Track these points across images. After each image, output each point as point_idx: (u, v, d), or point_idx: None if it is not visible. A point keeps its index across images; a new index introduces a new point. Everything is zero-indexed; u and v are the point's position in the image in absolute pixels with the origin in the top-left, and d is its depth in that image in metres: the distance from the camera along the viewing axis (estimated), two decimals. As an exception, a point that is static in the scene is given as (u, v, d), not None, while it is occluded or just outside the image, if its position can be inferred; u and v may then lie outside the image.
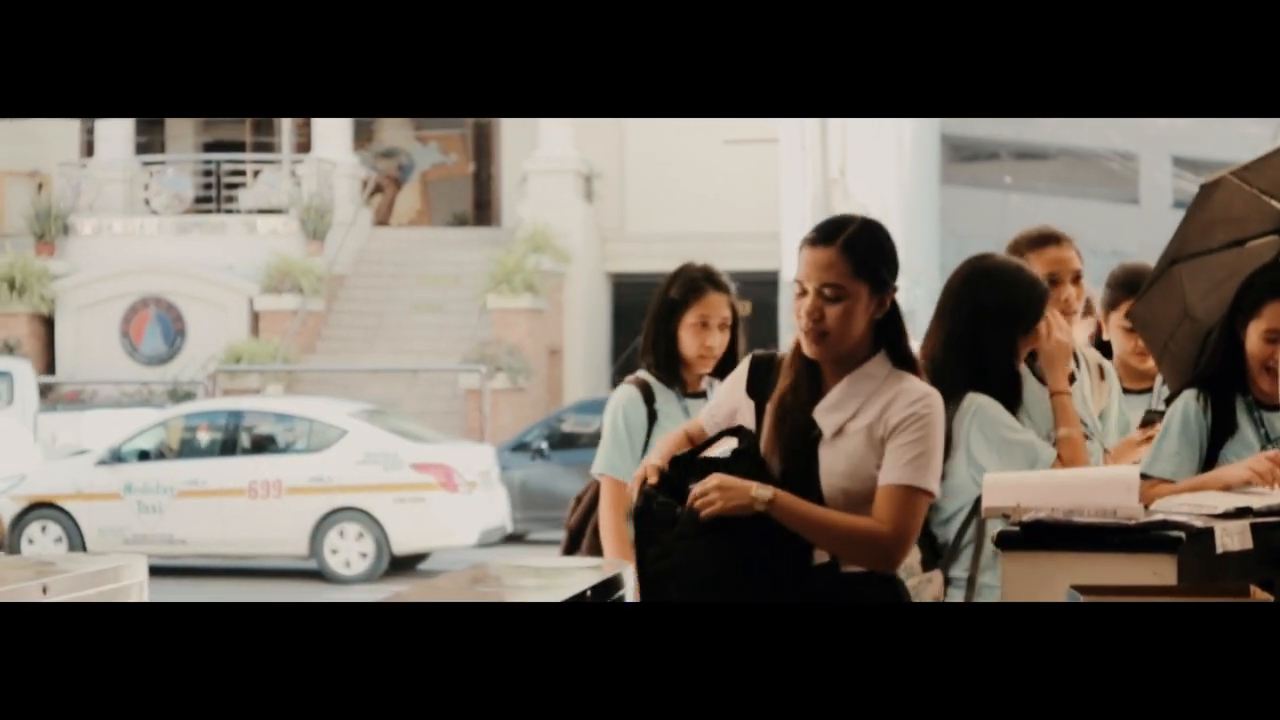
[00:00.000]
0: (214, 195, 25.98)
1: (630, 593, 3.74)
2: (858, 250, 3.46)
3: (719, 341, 4.84)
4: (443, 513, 16.22)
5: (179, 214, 25.69)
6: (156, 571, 4.77)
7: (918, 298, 26.75)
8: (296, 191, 25.45)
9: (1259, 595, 3.06)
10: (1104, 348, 5.22)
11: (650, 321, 4.91)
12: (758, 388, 3.57)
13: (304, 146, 26.69)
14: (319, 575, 16.13)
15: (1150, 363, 5.05)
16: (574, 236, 25.10)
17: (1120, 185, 39.34)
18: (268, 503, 16.31)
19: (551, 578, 3.93)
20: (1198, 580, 3.26)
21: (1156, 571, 3.23)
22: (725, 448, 3.53)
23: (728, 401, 3.63)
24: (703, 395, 4.85)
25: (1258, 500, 3.62)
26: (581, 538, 5.03)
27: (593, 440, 21.77)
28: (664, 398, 4.85)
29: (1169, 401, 4.45)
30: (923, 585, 4.00)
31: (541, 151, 25.62)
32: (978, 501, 3.98)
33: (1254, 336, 4.21)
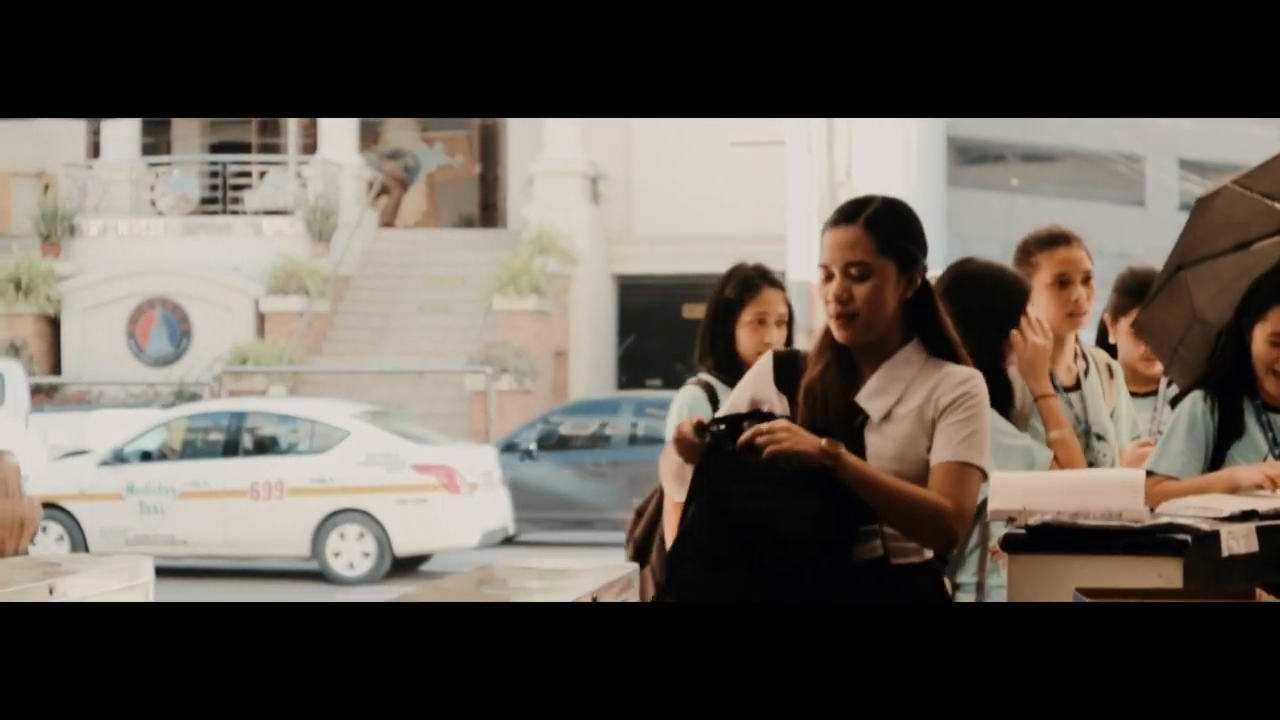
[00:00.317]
0: (220, 196, 25.99)
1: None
2: (881, 226, 3.40)
3: (777, 338, 4.80)
4: (444, 514, 16.22)
5: (185, 215, 25.70)
6: (158, 572, 4.76)
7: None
8: (302, 193, 25.45)
9: (1265, 598, 3.06)
10: (1108, 351, 5.21)
11: (707, 323, 4.85)
12: (787, 382, 3.46)
13: (310, 148, 26.70)
14: (321, 576, 16.14)
15: (1156, 368, 5.05)
16: (580, 238, 25.09)
17: (1126, 187, 39.33)
18: (270, 504, 16.32)
19: (557, 579, 3.93)
20: (1203, 583, 3.25)
21: (1162, 574, 3.22)
22: None
23: (749, 398, 3.50)
24: None
25: (1264, 503, 3.61)
26: (649, 550, 4.94)
27: (587, 442, 21.58)
28: (727, 397, 4.84)
29: (1174, 403, 4.45)
30: None
31: (547, 153, 25.62)
32: (982, 507, 3.98)
33: (1260, 340, 4.20)
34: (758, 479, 3.22)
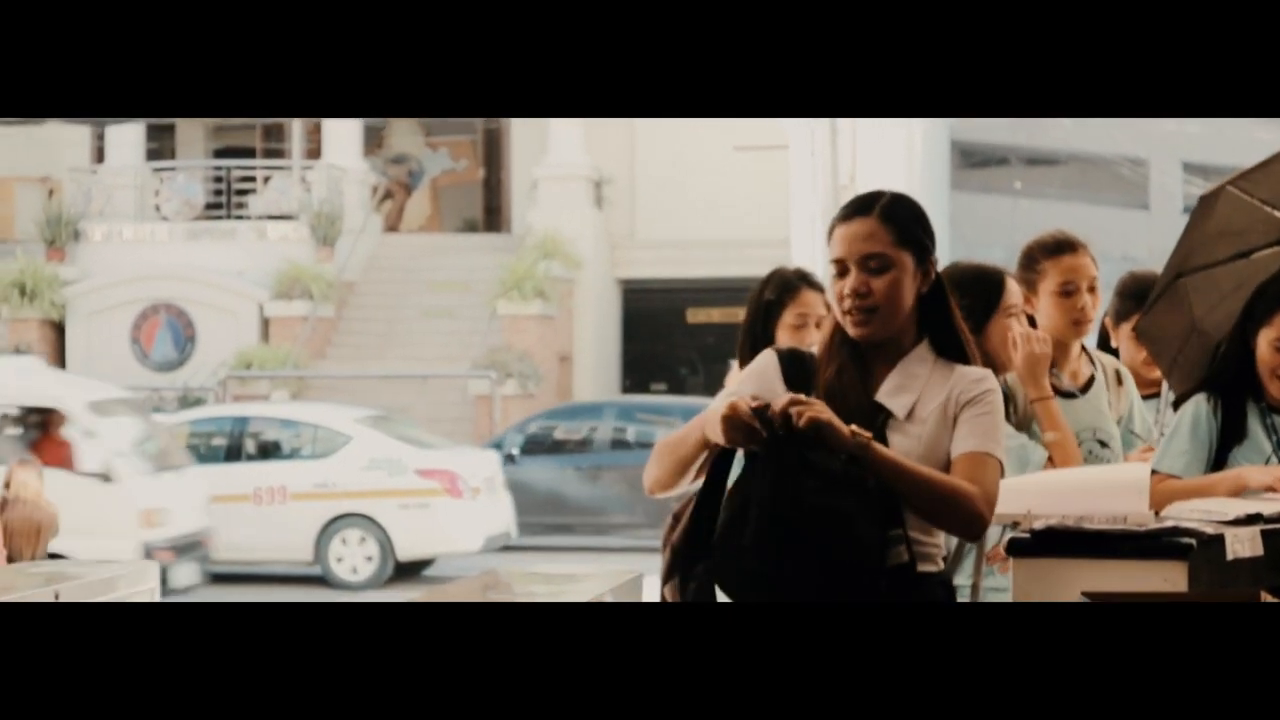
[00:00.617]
0: (224, 201, 26.01)
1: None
2: (897, 218, 3.33)
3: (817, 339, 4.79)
4: (447, 519, 16.24)
5: (189, 220, 25.73)
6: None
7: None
8: (307, 198, 25.48)
9: (1269, 600, 3.06)
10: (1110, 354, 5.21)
11: (746, 327, 4.82)
12: (798, 382, 3.33)
13: (314, 153, 26.72)
14: (323, 581, 16.15)
15: (1158, 371, 5.05)
16: (584, 243, 25.10)
17: (1130, 191, 39.29)
18: (272, 509, 16.34)
19: (564, 584, 3.92)
20: (1208, 587, 3.25)
21: (1167, 578, 3.22)
22: None
23: (752, 397, 3.29)
24: None
25: (1269, 506, 3.61)
26: None
27: (570, 446, 21.45)
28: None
29: (1176, 405, 4.45)
30: None
31: (552, 157, 25.64)
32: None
33: (1264, 345, 4.21)
34: (815, 473, 3.10)
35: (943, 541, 3.37)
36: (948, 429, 3.29)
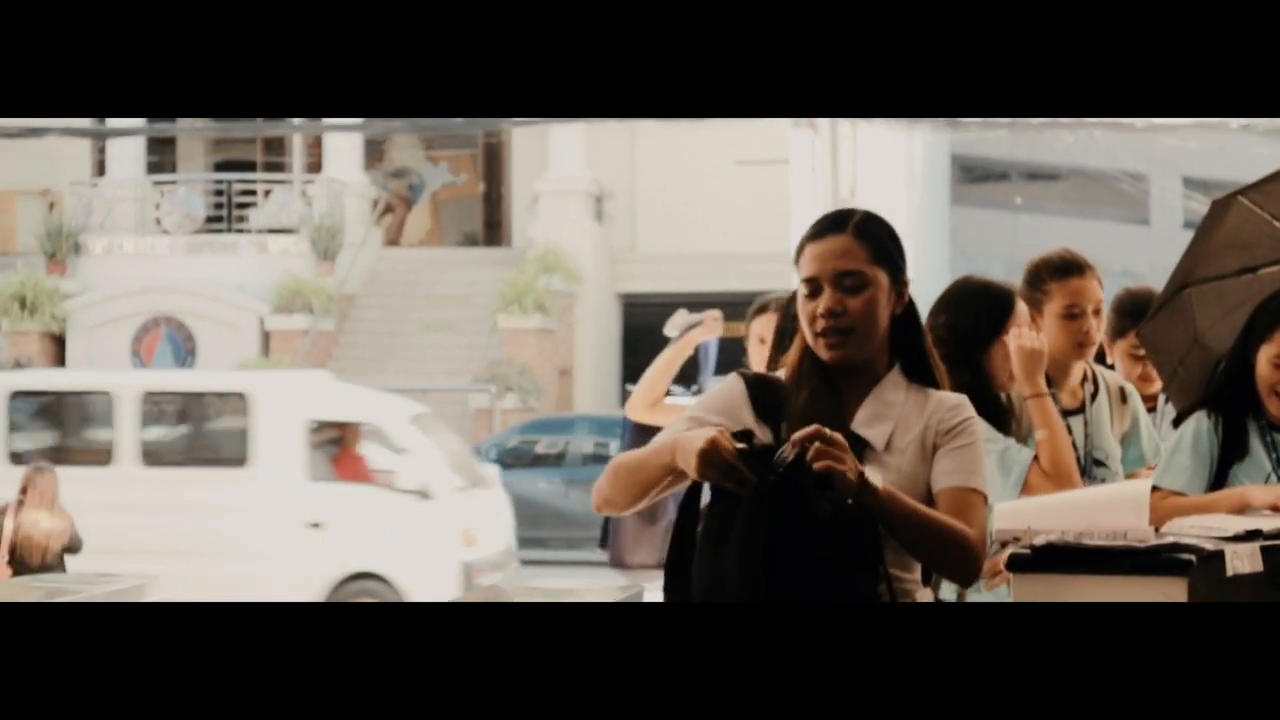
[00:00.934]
0: (225, 215, 26.03)
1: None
2: (872, 235, 3.18)
3: None
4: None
5: (190, 233, 25.74)
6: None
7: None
8: (307, 211, 25.50)
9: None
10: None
11: (776, 338, 4.82)
12: (767, 410, 3.16)
13: (315, 166, 26.75)
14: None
15: (1154, 387, 5.05)
16: (584, 257, 25.13)
17: (1131, 206, 39.31)
18: (275, 522, 16.30)
19: (567, 599, 3.93)
20: (1208, 603, 3.25)
21: (1167, 594, 3.22)
22: None
23: (716, 424, 3.10)
24: None
25: (1269, 523, 3.62)
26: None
27: (543, 460, 21.33)
28: None
29: (1177, 423, 4.45)
30: None
31: (552, 172, 25.67)
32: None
33: (1264, 361, 4.21)
34: (807, 515, 2.89)
35: (919, 575, 3.22)
36: (926, 460, 3.14)
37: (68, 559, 10.80)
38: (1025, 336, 4.27)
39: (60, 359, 24.78)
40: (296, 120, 24.89)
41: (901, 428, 3.14)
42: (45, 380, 17.10)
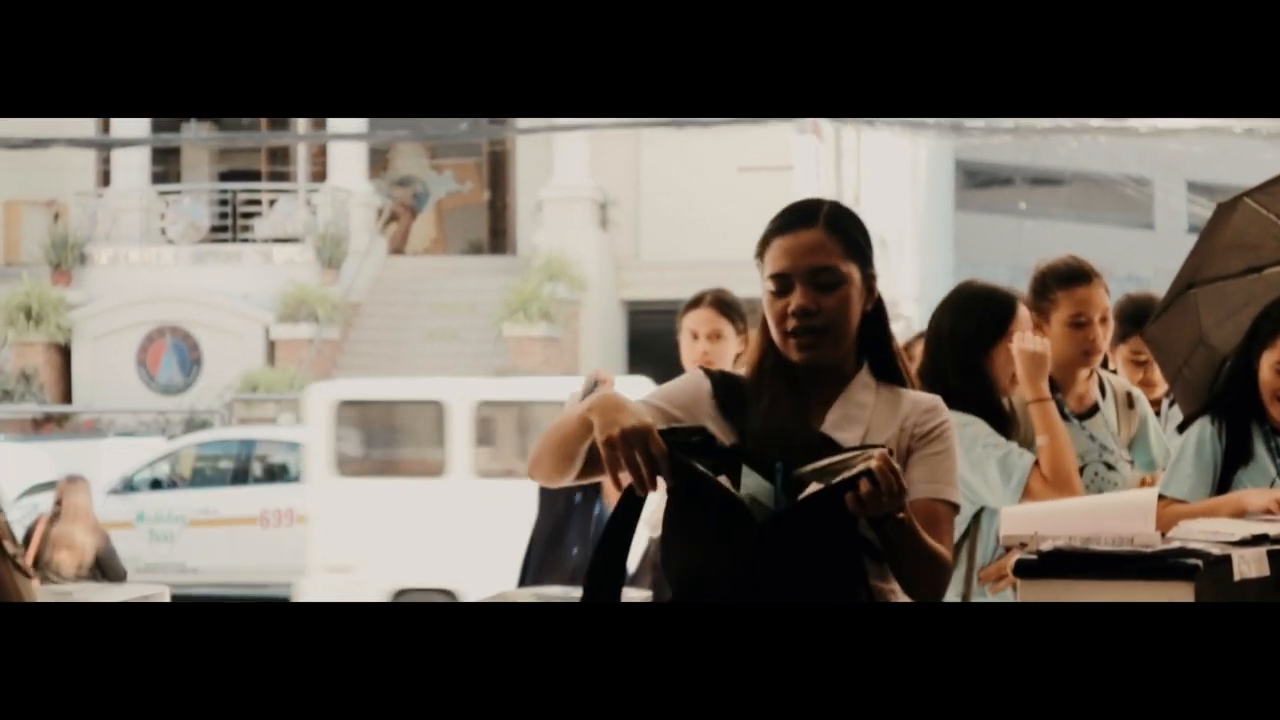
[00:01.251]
0: (230, 224, 26.06)
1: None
2: (843, 228, 3.00)
3: None
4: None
5: (195, 243, 25.77)
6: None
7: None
8: (312, 220, 25.53)
9: None
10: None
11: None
12: (731, 410, 2.99)
13: (319, 175, 26.78)
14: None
15: (1156, 393, 5.06)
16: (589, 264, 25.13)
17: (1135, 210, 39.31)
18: (280, 531, 16.32)
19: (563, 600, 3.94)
20: (1214, 603, 3.26)
21: (1174, 599, 3.22)
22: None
23: (674, 419, 2.96)
24: None
25: (1275, 527, 3.62)
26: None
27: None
28: None
29: (1181, 429, 4.46)
30: None
31: (557, 179, 25.68)
32: (969, 523, 4.04)
33: (1267, 367, 4.21)
34: (804, 529, 2.78)
35: (897, 586, 3.05)
36: (900, 463, 2.89)
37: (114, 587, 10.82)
38: (1027, 340, 4.27)
39: (66, 369, 24.81)
40: (301, 129, 24.95)
41: (874, 430, 2.98)
42: (374, 389, 16.26)
